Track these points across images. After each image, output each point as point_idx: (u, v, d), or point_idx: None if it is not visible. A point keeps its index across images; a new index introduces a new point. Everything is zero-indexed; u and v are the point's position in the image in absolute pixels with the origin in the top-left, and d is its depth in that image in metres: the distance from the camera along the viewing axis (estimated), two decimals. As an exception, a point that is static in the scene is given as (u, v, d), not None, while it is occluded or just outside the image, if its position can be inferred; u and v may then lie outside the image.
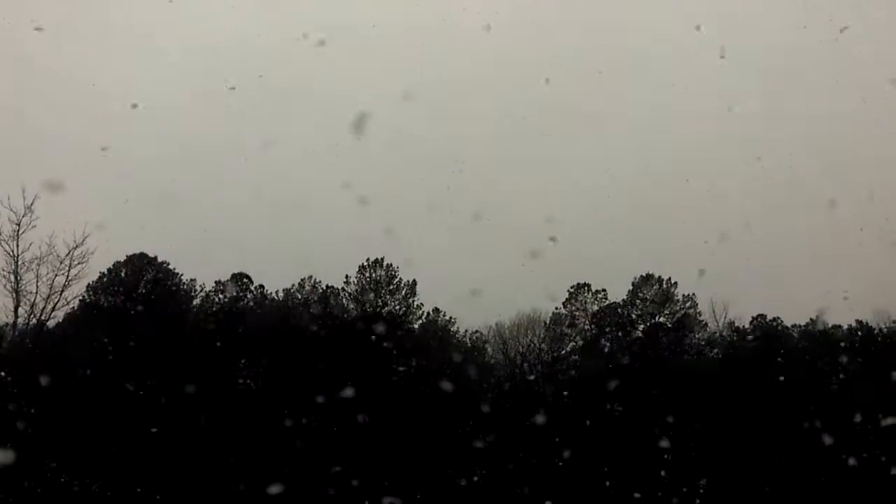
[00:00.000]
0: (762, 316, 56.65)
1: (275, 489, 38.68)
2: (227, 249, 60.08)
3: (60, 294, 45.57)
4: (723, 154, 76.81)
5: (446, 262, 62.96)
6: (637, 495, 36.38)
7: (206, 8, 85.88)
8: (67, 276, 45.36)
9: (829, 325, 55.66)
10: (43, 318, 45.79)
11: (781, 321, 56.59)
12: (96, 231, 45.10)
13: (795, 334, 56.90)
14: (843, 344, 51.53)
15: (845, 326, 54.98)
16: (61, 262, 45.04)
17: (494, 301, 54.77)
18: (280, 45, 77.70)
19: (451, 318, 56.96)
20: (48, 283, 45.20)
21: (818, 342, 53.54)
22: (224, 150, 76.12)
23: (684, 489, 36.87)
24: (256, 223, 66.36)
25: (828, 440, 33.23)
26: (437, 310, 56.53)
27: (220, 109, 78.70)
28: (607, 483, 38.27)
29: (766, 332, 56.08)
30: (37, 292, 45.21)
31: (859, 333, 53.49)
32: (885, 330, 53.56)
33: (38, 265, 44.74)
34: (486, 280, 58.42)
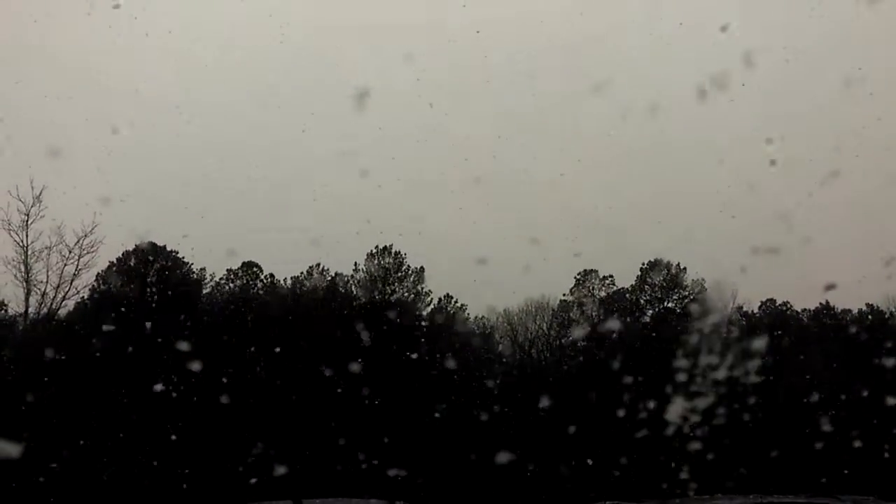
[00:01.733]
0: (771, 300, 56.54)
1: (285, 476, 39.08)
2: (236, 239, 60.33)
3: (70, 283, 46.01)
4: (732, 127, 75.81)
5: (455, 249, 63.03)
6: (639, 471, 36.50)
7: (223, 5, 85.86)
8: (77, 266, 45.79)
9: (839, 309, 55.47)
10: (54, 307, 46.24)
11: (791, 305, 56.49)
12: (104, 218, 45.43)
13: (805, 319, 56.74)
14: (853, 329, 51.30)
15: (855, 310, 54.87)
16: (70, 251, 45.43)
17: (503, 287, 54.90)
18: (294, 35, 77.61)
19: (461, 304, 57.22)
20: (58, 272, 45.60)
21: (827, 327, 53.36)
22: (230, 141, 76.24)
23: (691, 470, 36.93)
24: (264, 211, 66.62)
25: (834, 427, 33.24)
26: (448, 296, 56.75)
27: (228, 97, 78.79)
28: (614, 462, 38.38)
29: (776, 316, 55.98)
30: (47, 281, 45.69)
31: (870, 317, 53.28)
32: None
33: (48, 254, 45.14)
34: (494, 266, 58.45)
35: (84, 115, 70.25)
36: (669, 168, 75.54)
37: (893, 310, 53.95)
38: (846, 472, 36.69)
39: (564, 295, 59.07)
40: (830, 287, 50.90)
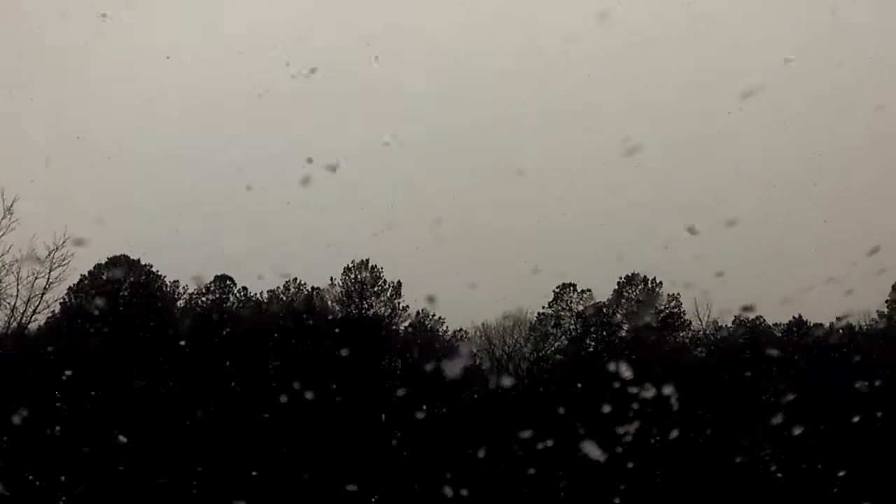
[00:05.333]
0: (745, 315, 57.16)
1: (260, 490, 38.69)
2: (209, 251, 59.77)
3: (41, 297, 45.13)
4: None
5: (432, 262, 62.95)
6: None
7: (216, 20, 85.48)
8: (48, 279, 44.90)
9: (812, 323, 56.16)
10: (24, 321, 45.37)
11: (764, 320, 57.11)
12: (76, 232, 44.76)
13: (778, 333, 57.37)
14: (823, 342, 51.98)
15: (826, 324, 55.59)
16: (41, 265, 44.54)
17: (481, 300, 54.89)
18: (272, 52, 77.32)
19: (438, 317, 57.14)
20: (28, 285, 44.74)
21: (799, 341, 54.02)
22: (209, 151, 75.72)
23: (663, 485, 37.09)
24: (241, 225, 66.05)
25: (807, 438, 33.56)
26: (425, 310, 56.67)
27: (204, 109, 78.24)
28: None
29: (750, 331, 56.55)
30: (17, 295, 44.77)
31: (839, 331, 54.00)
32: (865, 328, 54.24)
33: (19, 268, 44.27)
34: (473, 280, 58.47)
35: (57, 128, 69.48)
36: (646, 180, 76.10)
37: (863, 324, 54.86)
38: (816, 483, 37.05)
39: (543, 308, 59.36)
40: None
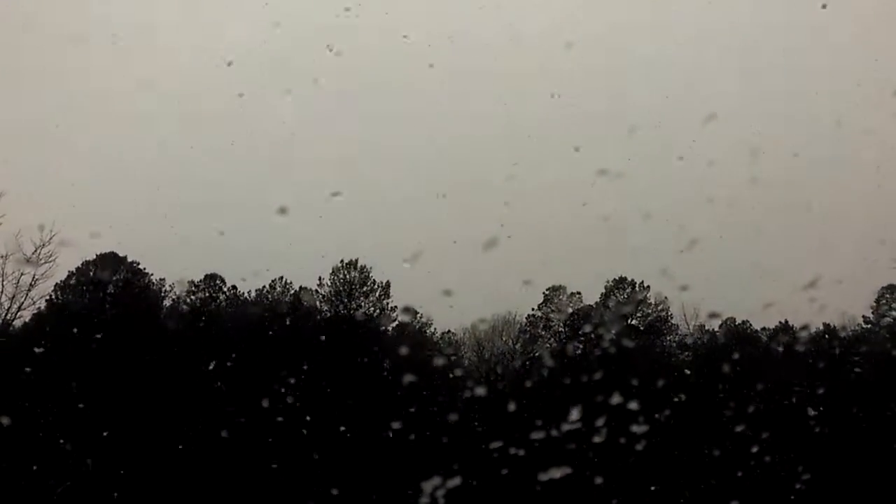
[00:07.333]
0: (731, 319, 57.49)
1: (247, 488, 38.57)
2: (199, 249, 59.54)
3: (27, 293, 44.94)
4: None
5: (422, 262, 62.80)
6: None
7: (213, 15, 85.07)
8: (34, 275, 44.72)
9: (797, 328, 56.48)
10: (9, 317, 45.13)
11: (750, 324, 57.45)
12: (64, 226, 44.52)
13: (764, 337, 57.70)
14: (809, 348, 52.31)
15: (812, 329, 55.85)
16: (27, 261, 44.35)
17: (470, 302, 54.95)
18: (262, 51, 77.27)
19: (426, 318, 57.07)
20: (14, 281, 44.54)
21: (785, 346, 54.32)
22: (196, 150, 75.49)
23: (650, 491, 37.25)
24: (232, 223, 65.88)
25: (790, 444, 33.78)
26: (414, 311, 56.50)
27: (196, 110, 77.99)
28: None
29: (736, 335, 56.85)
30: (2, 291, 44.58)
31: (826, 337, 54.37)
32: (851, 334, 54.62)
33: (4, 263, 44.06)
34: (461, 282, 58.53)
35: (45, 122, 69.09)
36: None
37: (849, 330, 55.26)
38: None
39: (533, 310, 59.55)
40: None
